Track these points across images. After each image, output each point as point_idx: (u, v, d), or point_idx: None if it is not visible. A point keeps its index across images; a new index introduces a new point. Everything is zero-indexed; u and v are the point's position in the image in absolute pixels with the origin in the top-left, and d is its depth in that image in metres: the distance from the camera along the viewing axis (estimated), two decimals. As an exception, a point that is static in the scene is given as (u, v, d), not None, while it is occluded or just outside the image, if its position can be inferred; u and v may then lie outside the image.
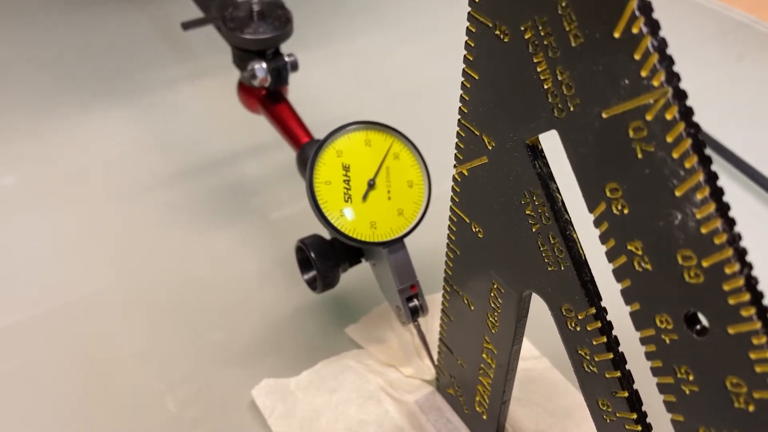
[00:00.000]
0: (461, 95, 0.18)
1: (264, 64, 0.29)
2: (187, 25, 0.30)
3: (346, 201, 0.25)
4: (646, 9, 0.13)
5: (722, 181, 0.13)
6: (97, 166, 0.38)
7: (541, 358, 0.28)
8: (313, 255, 0.26)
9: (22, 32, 0.47)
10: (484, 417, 0.24)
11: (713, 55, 0.46)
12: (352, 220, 0.25)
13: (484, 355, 0.22)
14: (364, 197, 0.25)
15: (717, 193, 0.13)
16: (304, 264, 0.28)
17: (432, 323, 0.28)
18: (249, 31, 0.29)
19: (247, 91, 0.31)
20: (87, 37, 0.46)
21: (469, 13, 0.17)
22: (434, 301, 0.28)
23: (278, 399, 0.26)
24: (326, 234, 0.27)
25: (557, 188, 0.17)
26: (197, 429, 0.26)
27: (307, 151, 0.28)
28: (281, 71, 0.29)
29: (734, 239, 0.13)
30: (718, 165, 0.37)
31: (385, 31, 0.47)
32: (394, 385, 0.27)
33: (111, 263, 0.33)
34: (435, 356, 0.26)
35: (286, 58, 0.30)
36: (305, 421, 0.26)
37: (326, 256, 0.26)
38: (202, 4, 0.32)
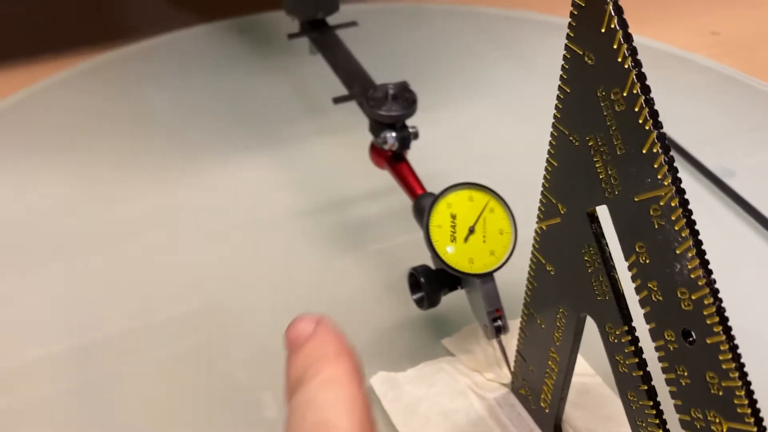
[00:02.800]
0: (544, 175, 0.27)
1: (393, 134, 0.38)
2: (337, 100, 0.39)
3: (452, 241, 0.34)
4: (661, 137, 0.21)
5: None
6: (242, 201, 0.48)
7: (595, 375, 0.35)
8: (422, 280, 0.35)
9: (193, 88, 0.58)
10: (547, 411, 0.31)
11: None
12: (454, 255, 0.34)
13: (549, 362, 0.30)
14: (465, 239, 0.34)
15: (701, 253, 0.21)
16: (414, 286, 0.36)
17: (511, 341, 0.36)
18: (384, 109, 0.38)
19: (377, 151, 0.40)
20: (242, 95, 0.57)
21: (553, 123, 0.25)
22: (513, 325, 0.36)
23: (390, 387, 0.35)
24: (433, 265, 0.36)
25: (606, 243, 0.25)
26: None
27: (422, 201, 0.37)
28: (406, 139, 0.38)
29: (710, 282, 0.21)
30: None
31: (487, 101, 0.56)
32: (479, 386, 0.35)
33: (244, 279, 0.42)
34: (512, 365, 0.34)
35: (410, 130, 0.39)
36: (410, 405, 0.34)
37: (432, 282, 0.35)
38: (347, 84, 0.42)
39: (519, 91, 0.57)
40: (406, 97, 0.38)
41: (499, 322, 0.34)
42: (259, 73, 0.59)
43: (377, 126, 0.39)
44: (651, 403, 0.25)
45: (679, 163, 0.51)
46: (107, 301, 0.41)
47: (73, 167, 0.50)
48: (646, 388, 0.25)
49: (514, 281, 0.34)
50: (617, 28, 0.21)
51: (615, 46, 0.21)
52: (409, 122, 0.39)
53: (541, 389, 0.31)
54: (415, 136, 0.39)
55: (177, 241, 0.45)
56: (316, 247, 0.44)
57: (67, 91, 0.58)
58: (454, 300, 0.37)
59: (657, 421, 0.25)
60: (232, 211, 0.47)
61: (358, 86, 0.40)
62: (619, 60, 0.21)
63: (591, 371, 0.35)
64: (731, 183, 0.48)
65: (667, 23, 0.67)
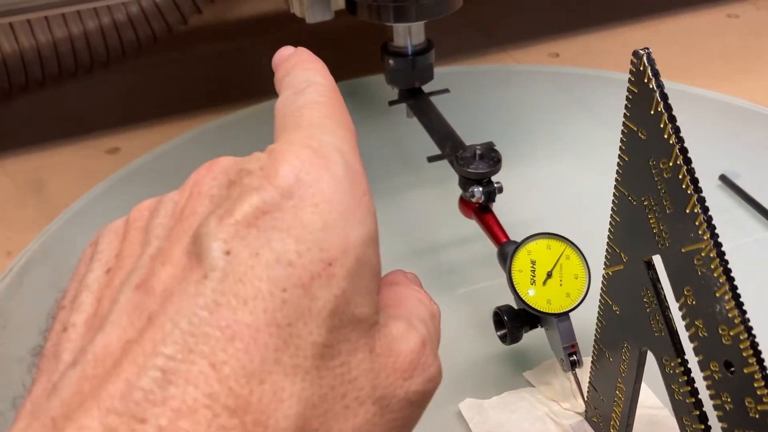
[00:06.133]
0: (609, 228, 0.31)
1: (480, 188, 0.43)
2: (431, 159, 0.45)
3: (531, 284, 0.39)
4: (701, 200, 0.25)
5: None
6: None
7: (663, 408, 0.38)
8: (505, 318, 0.39)
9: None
10: (616, 437, 0.35)
11: None
12: (534, 297, 0.38)
13: (617, 392, 0.34)
14: (544, 283, 0.39)
15: (736, 296, 0.25)
16: (499, 324, 0.41)
17: (584, 374, 0.40)
18: (473, 167, 0.43)
19: (465, 203, 0.46)
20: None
21: (615, 185, 0.30)
22: (586, 361, 0.40)
23: (476, 412, 0.39)
24: (515, 305, 0.40)
25: (662, 287, 0.29)
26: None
27: (506, 248, 0.42)
28: (491, 193, 0.44)
29: (745, 320, 0.25)
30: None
31: (566, 156, 0.61)
32: (556, 414, 0.39)
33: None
34: (585, 395, 0.38)
35: (495, 185, 0.44)
36: (493, 428, 0.38)
37: (515, 320, 0.40)
38: (440, 144, 0.48)
39: (596, 145, 0.61)
40: (491, 156, 0.44)
41: (574, 357, 0.38)
42: (363, 132, 0.65)
43: (466, 181, 0.44)
44: (702, 427, 0.28)
45: (758, 218, 0.53)
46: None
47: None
48: (698, 413, 0.28)
49: (587, 321, 0.38)
50: (663, 111, 0.26)
51: (662, 126, 0.26)
52: (494, 178, 0.44)
53: (610, 416, 0.35)
54: (500, 190, 0.44)
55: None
56: (411, 287, 0.49)
57: (198, 145, 0.66)
58: (534, 337, 0.41)
59: (708, 443, 0.28)
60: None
61: (450, 147, 0.46)
62: (665, 137, 0.26)
63: (660, 404, 0.39)
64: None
65: (752, 82, 0.70)
